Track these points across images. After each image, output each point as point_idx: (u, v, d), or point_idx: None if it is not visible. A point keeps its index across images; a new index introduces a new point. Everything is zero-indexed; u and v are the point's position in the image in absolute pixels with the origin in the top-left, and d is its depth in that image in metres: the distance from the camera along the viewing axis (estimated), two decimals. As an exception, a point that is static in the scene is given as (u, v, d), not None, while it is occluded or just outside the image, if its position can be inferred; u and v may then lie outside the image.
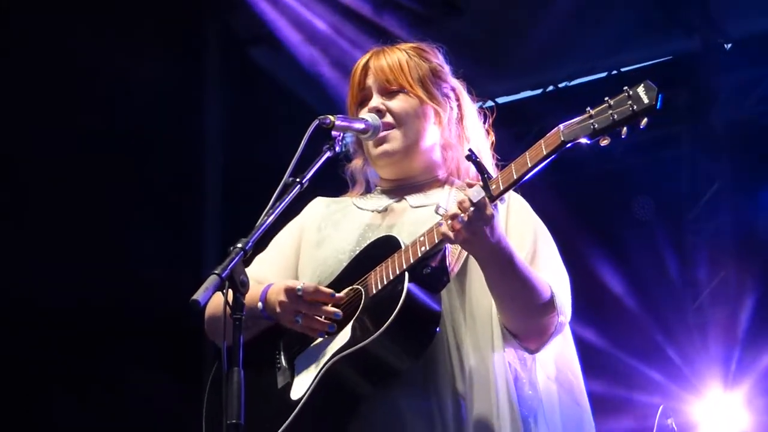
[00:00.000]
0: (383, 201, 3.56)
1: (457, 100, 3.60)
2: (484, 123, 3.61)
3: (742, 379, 7.75)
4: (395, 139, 3.48)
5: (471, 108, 3.62)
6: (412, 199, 3.51)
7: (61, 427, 7.16)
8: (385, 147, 3.48)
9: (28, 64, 7.03)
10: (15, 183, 7.02)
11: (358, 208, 3.59)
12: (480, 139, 3.55)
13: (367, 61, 3.58)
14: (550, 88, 8.88)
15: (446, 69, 3.62)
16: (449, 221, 3.05)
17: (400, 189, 3.57)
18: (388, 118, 3.49)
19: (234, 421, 2.79)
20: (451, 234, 3.05)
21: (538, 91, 8.91)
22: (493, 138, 3.60)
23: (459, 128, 3.57)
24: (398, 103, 3.50)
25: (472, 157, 3.08)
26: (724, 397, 7.76)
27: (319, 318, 3.22)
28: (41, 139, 7.00)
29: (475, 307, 3.28)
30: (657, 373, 7.95)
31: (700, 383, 7.84)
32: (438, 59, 3.62)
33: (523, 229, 3.37)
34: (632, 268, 8.22)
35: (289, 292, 3.23)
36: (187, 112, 7.70)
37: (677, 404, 7.62)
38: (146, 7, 7.52)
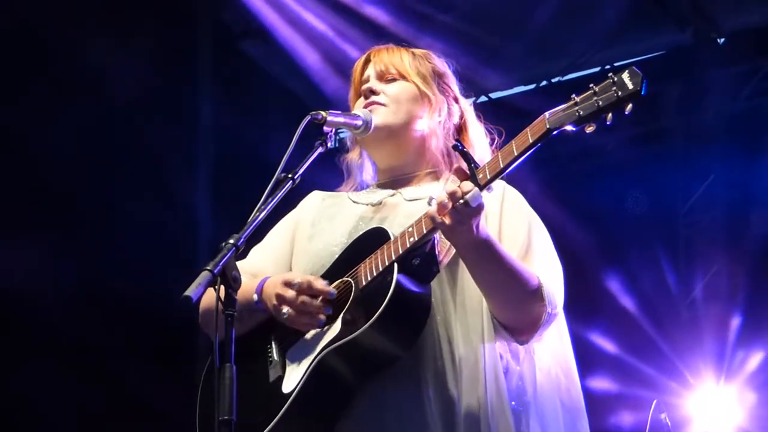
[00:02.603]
0: (378, 195, 3.56)
1: (461, 112, 3.60)
2: (492, 144, 3.59)
3: (736, 374, 7.77)
4: (384, 114, 3.48)
5: (476, 126, 3.60)
6: (407, 192, 3.51)
7: (54, 421, 7.14)
8: (373, 119, 3.47)
9: (20, 56, 7.03)
10: (10, 174, 7.00)
11: (353, 201, 3.59)
12: (483, 154, 3.52)
13: (370, 54, 3.61)
14: (543, 83, 8.88)
15: (451, 77, 3.62)
16: (437, 209, 3.04)
17: (394, 182, 3.57)
18: (382, 98, 3.49)
19: (226, 417, 2.78)
20: (438, 219, 3.03)
21: (531, 86, 8.91)
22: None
23: (454, 130, 3.56)
24: (394, 87, 3.52)
25: (458, 147, 3.08)
26: (718, 391, 7.77)
27: (310, 312, 3.21)
28: (32, 132, 6.99)
29: (466, 298, 3.27)
30: (650, 367, 7.95)
31: (693, 378, 7.85)
32: (444, 67, 3.63)
33: (517, 222, 3.36)
34: (626, 263, 8.23)
35: (286, 284, 3.22)
36: (179, 105, 7.68)
37: (671, 399, 7.64)
38: (139, 2, 7.51)
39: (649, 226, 8.33)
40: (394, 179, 3.57)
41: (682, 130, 8.40)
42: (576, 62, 8.62)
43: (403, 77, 3.52)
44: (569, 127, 2.96)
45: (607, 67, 8.51)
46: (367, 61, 3.59)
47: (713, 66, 8.26)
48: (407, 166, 3.55)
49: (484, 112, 3.68)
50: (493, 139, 3.60)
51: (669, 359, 7.95)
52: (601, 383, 7.60)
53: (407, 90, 3.51)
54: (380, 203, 3.52)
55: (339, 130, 3.42)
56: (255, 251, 3.59)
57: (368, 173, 3.68)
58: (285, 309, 3.22)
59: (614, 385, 7.80)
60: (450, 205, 3.00)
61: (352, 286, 3.24)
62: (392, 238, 3.21)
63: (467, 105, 3.64)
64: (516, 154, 3.01)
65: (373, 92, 3.50)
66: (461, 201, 2.98)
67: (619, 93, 2.90)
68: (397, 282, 3.12)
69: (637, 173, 8.35)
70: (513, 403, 3.21)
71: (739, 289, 7.92)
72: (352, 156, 3.67)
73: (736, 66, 8.33)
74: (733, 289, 7.96)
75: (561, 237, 3.63)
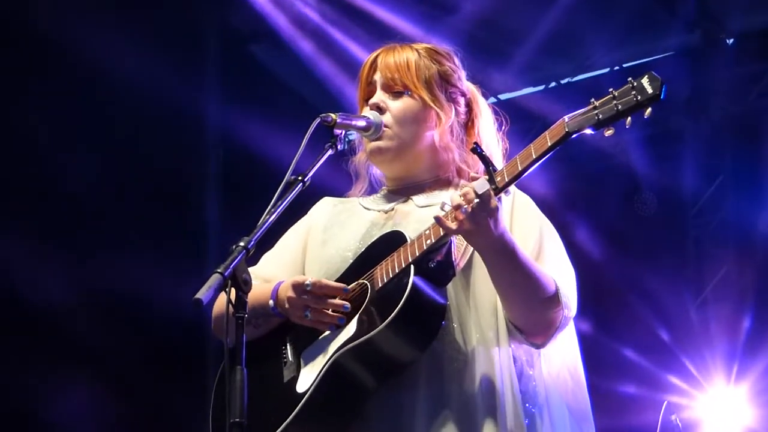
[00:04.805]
0: (389, 201, 3.57)
1: (468, 105, 3.58)
2: (499, 129, 3.60)
3: (746, 375, 7.75)
4: (389, 137, 3.47)
5: (486, 114, 3.60)
6: (419, 199, 3.51)
7: (65, 426, 7.15)
8: (378, 144, 3.47)
9: (28, 58, 7.04)
10: (17, 177, 7.01)
11: (365, 208, 3.59)
12: (491, 145, 3.53)
13: (376, 57, 3.57)
14: (552, 84, 8.88)
15: (459, 73, 3.59)
16: (453, 212, 3.04)
17: (405, 189, 3.56)
18: (387, 118, 3.48)
19: (237, 419, 2.79)
20: (453, 225, 3.04)
21: (541, 87, 8.90)
22: (508, 146, 3.58)
23: (464, 132, 3.55)
24: (400, 105, 3.49)
25: (476, 150, 3.09)
26: (728, 392, 7.76)
27: (328, 311, 3.22)
28: (40, 134, 7.00)
29: (479, 302, 3.28)
30: (661, 369, 7.95)
31: (704, 379, 7.84)
32: (451, 62, 3.58)
33: (528, 226, 3.36)
34: (635, 265, 8.22)
35: (297, 286, 3.24)
36: (187, 108, 7.68)
37: (681, 400, 7.63)
38: (147, 4, 7.52)
39: (659, 227, 8.33)
40: (406, 186, 3.57)
41: (691, 131, 8.39)
42: (585, 63, 8.62)
43: (409, 90, 3.49)
44: (588, 131, 2.99)
45: (616, 68, 8.52)
46: (373, 64, 3.57)
47: (722, 67, 8.25)
48: (418, 176, 3.55)
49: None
50: (501, 122, 3.60)
51: (679, 360, 7.95)
52: (612, 384, 7.59)
53: (413, 108, 3.48)
54: (392, 210, 3.52)
55: (348, 133, 3.42)
56: (267, 258, 3.59)
57: (377, 172, 3.67)
58: (303, 312, 3.23)
59: (624, 386, 7.79)
60: (464, 205, 3.00)
61: (368, 288, 3.25)
62: (409, 241, 3.22)
63: (474, 92, 3.62)
64: (534, 157, 3.03)
65: (379, 108, 3.49)
66: (476, 200, 2.99)
67: (639, 97, 2.93)
68: (414, 284, 3.12)
69: (646, 174, 8.35)
70: (527, 405, 3.22)
71: (749, 290, 7.92)
72: (361, 158, 3.66)
73: (745, 67, 8.32)
74: (743, 290, 7.95)
75: (570, 238, 3.64)
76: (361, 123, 3.43)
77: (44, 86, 7.06)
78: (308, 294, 3.22)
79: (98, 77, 7.17)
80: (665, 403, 6.56)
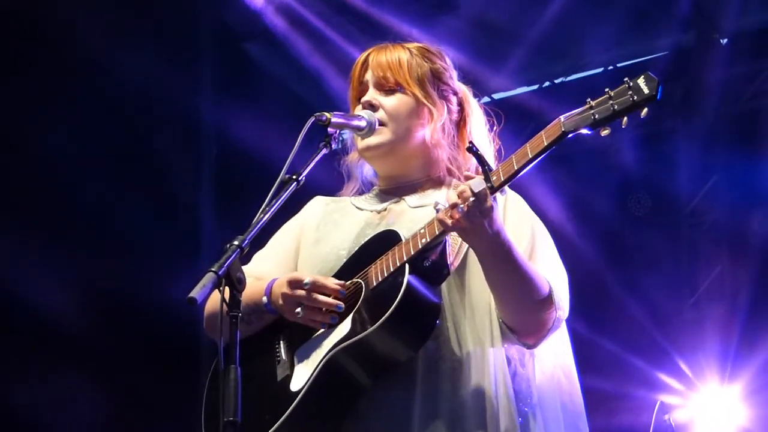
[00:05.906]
0: (382, 201, 3.57)
1: (460, 104, 3.59)
2: (491, 130, 3.60)
3: (739, 374, 7.76)
4: (381, 133, 3.48)
5: (477, 114, 3.60)
6: (411, 199, 3.52)
7: (59, 424, 7.15)
8: (369, 140, 3.48)
9: (26, 55, 7.04)
10: (12, 176, 7.01)
11: (357, 207, 3.60)
12: (483, 145, 3.53)
13: (368, 56, 3.58)
14: (546, 83, 8.88)
15: (451, 72, 3.60)
16: (449, 211, 3.05)
17: (397, 189, 3.57)
18: (381, 114, 3.48)
19: (231, 418, 2.79)
20: (449, 221, 3.04)
21: (534, 87, 8.90)
22: (500, 145, 3.58)
23: (455, 131, 3.56)
24: (393, 101, 3.50)
25: (472, 149, 3.08)
26: (722, 392, 7.77)
27: (321, 310, 3.22)
28: (36, 133, 6.99)
29: (474, 302, 3.28)
30: (654, 368, 7.95)
31: (697, 378, 7.85)
32: (442, 61, 3.60)
33: (520, 226, 3.36)
34: (629, 264, 8.22)
35: (294, 282, 3.24)
36: (182, 107, 7.68)
37: (674, 400, 7.64)
38: (142, 2, 7.52)
39: (653, 226, 8.33)
40: (398, 186, 3.58)
41: (685, 131, 8.39)
42: (579, 63, 8.62)
43: (402, 87, 3.51)
44: (584, 131, 3.00)
45: (611, 68, 8.51)
46: (365, 63, 3.58)
47: (716, 67, 8.25)
48: (410, 175, 3.56)
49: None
50: (492, 123, 3.60)
51: (673, 360, 7.95)
52: (605, 384, 7.60)
53: (406, 104, 3.49)
54: (385, 210, 3.53)
55: (342, 132, 3.42)
56: (259, 257, 3.59)
57: (368, 172, 3.68)
58: (296, 309, 3.23)
59: (618, 386, 7.79)
60: (461, 204, 3.00)
61: (362, 286, 3.26)
62: (403, 240, 3.22)
63: (466, 92, 3.63)
64: (530, 156, 3.03)
65: (372, 106, 3.50)
66: (472, 199, 2.99)
67: (635, 97, 2.94)
68: (408, 282, 3.13)
69: (640, 174, 8.35)
70: (521, 404, 3.23)
71: (742, 290, 7.92)
72: (353, 157, 3.67)
73: (739, 67, 8.31)
74: (736, 290, 7.96)
75: (563, 238, 3.64)
76: (356, 122, 3.43)
77: (40, 85, 7.06)
78: (304, 291, 3.22)
79: (93, 76, 7.17)
80: (658, 402, 6.57)
